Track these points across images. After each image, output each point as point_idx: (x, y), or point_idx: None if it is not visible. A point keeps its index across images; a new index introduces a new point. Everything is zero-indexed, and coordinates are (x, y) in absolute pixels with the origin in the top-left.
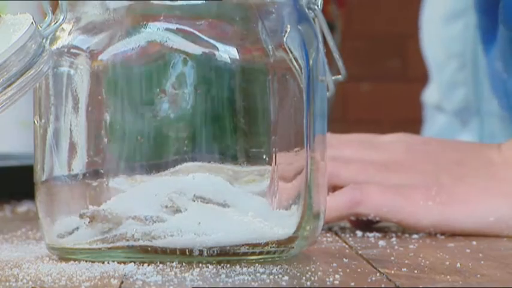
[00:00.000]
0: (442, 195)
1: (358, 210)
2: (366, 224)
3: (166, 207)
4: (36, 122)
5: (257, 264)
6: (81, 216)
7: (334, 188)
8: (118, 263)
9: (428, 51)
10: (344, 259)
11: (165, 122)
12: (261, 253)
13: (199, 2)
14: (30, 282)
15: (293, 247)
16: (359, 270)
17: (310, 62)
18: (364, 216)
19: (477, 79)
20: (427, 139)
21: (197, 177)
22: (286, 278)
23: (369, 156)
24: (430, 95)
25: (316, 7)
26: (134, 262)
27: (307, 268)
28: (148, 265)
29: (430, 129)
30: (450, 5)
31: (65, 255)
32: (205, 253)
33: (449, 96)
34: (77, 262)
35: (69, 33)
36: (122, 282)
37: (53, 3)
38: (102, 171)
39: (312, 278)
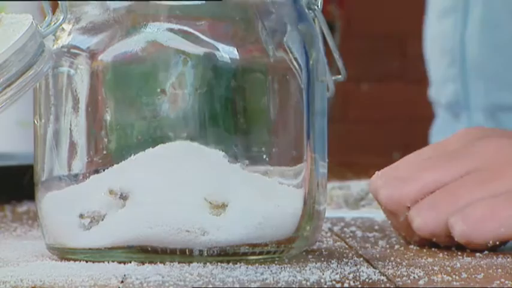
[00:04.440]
0: None
1: (472, 245)
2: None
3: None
4: (36, 122)
5: (257, 264)
6: (81, 216)
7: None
8: (118, 263)
9: (426, 48)
10: (344, 259)
11: (165, 122)
12: (261, 253)
13: (199, 2)
14: (30, 282)
15: (293, 247)
16: (359, 270)
17: (310, 62)
18: (482, 246)
19: (465, 75)
20: (500, 131)
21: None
22: (286, 277)
23: (455, 171)
24: (431, 91)
25: (316, 7)
26: (134, 262)
27: (307, 268)
28: (149, 265)
29: (435, 124)
30: (442, 2)
31: (65, 255)
32: (205, 253)
33: (442, 91)
34: (77, 262)
35: (69, 33)
36: (122, 282)
37: (53, 3)
38: (102, 171)
39: (312, 278)
